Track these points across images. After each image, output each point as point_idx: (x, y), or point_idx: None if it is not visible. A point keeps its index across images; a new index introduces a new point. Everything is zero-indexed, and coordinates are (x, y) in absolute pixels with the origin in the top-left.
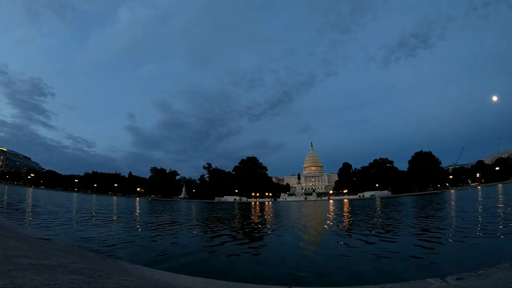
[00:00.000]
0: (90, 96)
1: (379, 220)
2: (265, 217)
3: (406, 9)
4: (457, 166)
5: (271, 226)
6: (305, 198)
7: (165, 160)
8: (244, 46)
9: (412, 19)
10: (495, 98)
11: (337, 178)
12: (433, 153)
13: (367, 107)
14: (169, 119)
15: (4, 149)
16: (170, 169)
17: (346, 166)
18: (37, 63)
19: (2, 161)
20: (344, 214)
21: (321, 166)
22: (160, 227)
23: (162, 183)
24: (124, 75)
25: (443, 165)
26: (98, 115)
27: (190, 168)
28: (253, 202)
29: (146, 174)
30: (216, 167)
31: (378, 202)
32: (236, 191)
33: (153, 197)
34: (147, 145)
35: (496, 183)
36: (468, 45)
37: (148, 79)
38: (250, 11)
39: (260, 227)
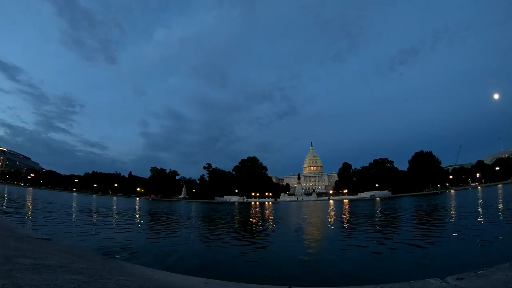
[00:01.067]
0: (114, 105)
1: (379, 220)
2: (265, 217)
3: (395, 41)
4: (457, 166)
5: (271, 226)
6: (305, 198)
7: (175, 162)
8: (257, 69)
9: (400, 49)
10: (496, 96)
11: (337, 178)
12: (433, 153)
13: (366, 116)
14: (182, 126)
15: (4, 149)
16: (170, 169)
17: (346, 166)
18: (70, 76)
19: (2, 161)
20: (344, 214)
21: (321, 166)
22: (160, 227)
23: (162, 183)
24: (149, 86)
25: (443, 165)
26: (117, 122)
27: (200, 170)
28: (253, 202)
29: (147, 174)
30: (216, 167)
31: (378, 203)
32: (236, 191)
33: (153, 197)
34: (158, 149)
35: (496, 183)
36: (464, 50)
37: (170, 91)
38: (264, 41)
39: (260, 228)
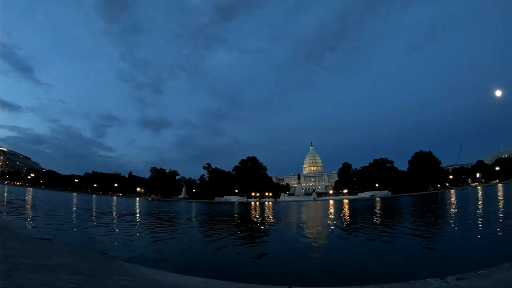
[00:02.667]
0: (141, 119)
1: (378, 220)
2: (265, 217)
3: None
4: (457, 166)
5: (271, 226)
6: (305, 198)
7: (185, 165)
8: (269, 94)
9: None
10: (498, 93)
11: (337, 178)
12: (433, 153)
13: (366, 117)
14: (194, 134)
15: (4, 149)
16: (170, 169)
17: (346, 166)
18: (116, 99)
19: (2, 161)
20: (344, 214)
21: (321, 166)
22: (160, 227)
23: (162, 183)
24: (172, 103)
25: (443, 165)
26: (140, 131)
27: (201, 170)
28: (253, 203)
29: (148, 174)
30: (216, 167)
31: (378, 203)
32: (236, 191)
33: (153, 197)
34: (171, 153)
35: (496, 183)
36: (464, 50)
37: (187, 106)
38: (275, 76)
39: (260, 228)
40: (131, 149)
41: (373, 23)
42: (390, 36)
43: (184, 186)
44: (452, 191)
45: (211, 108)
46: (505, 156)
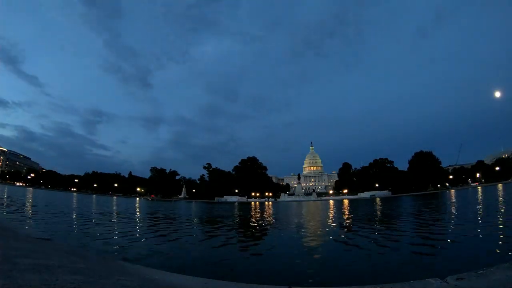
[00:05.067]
0: (135, 115)
1: (377, 220)
2: (265, 217)
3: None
4: (457, 166)
5: (271, 227)
6: (305, 198)
7: (183, 165)
8: (266, 88)
9: (400, 51)
10: (497, 94)
11: (337, 178)
12: (433, 153)
13: (366, 116)
14: (191, 132)
15: (4, 149)
16: (170, 169)
17: (346, 166)
18: (103, 92)
19: (2, 161)
20: (343, 214)
21: (321, 166)
22: (159, 226)
23: (162, 183)
24: (166, 98)
25: (443, 165)
26: (135, 130)
27: (201, 170)
28: (253, 203)
29: (148, 174)
30: (216, 167)
31: (377, 202)
32: (236, 191)
33: (152, 197)
34: (168, 152)
35: (496, 183)
36: (465, 48)
37: (183, 101)
38: (273, 66)
39: (260, 228)
40: (125, 147)
41: (375, 5)
42: (394, 20)
43: (184, 186)
44: (452, 191)
45: (205, 102)
46: (505, 156)
